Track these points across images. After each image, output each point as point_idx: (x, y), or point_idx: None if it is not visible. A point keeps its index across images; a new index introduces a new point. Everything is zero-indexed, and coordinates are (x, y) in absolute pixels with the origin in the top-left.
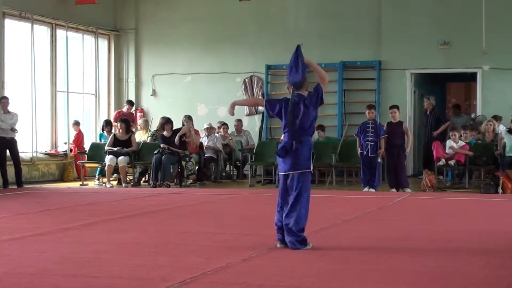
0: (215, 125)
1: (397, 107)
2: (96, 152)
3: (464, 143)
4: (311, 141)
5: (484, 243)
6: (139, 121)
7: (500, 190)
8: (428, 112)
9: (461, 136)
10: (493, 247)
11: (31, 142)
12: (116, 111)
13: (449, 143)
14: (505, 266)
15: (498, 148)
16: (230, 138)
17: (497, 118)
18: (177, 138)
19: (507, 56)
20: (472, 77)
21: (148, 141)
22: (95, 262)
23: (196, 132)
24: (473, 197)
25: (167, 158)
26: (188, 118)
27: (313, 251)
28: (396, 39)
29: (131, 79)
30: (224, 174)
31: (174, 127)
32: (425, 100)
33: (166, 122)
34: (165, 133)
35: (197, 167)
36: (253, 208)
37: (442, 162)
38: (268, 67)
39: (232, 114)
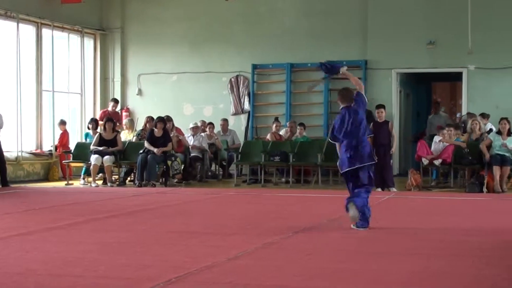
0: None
1: (383, 106)
2: (82, 152)
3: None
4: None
5: (469, 242)
6: (125, 121)
7: (485, 190)
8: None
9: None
10: (479, 246)
11: (16, 142)
12: (101, 111)
13: (436, 138)
14: (491, 265)
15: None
16: (216, 137)
17: (484, 115)
18: (160, 151)
19: (492, 55)
20: (458, 76)
21: (133, 140)
22: (81, 262)
23: (178, 130)
24: (458, 196)
25: (153, 157)
26: (167, 120)
27: (299, 251)
28: (382, 39)
29: (117, 79)
30: (209, 173)
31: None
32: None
33: (159, 120)
34: (155, 131)
35: (182, 167)
36: (239, 208)
37: (426, 161)
38: (254, 67)
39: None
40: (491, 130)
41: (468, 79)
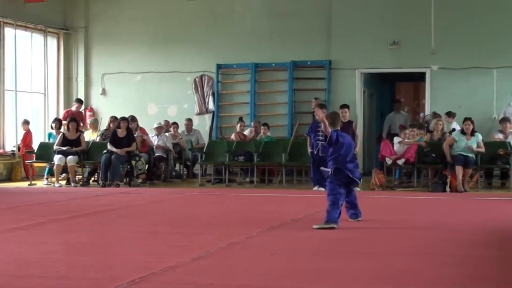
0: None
1: (347, 106)
2: (45, 152)
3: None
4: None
5: (432, 241)
6: (89, 120)
7: (447, 189)
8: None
9: (408, 135)
10: (441, 245)
11: None
12: (65, 110)
13: (397, 139)
14: (452, 264)
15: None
16: (180, 137)
17: (450, 114)
18: (123, 151)
19: (455, 56)
20: (421, 76)
21: (97, 140)
22: (43, 263)
23: (143, 130)
24: (421, 195)
25: (117, 157)
26: (131, 120)
27: (263, 250)
28: (346, 39)
29: (80, 78)
30: (174, 173)
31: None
32: (313, 101)
33: (122, 120)
34: (119, 131)
35: (147, 167)
36: (203, 208)
37: (389, 161)
38: (219, 67)
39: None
40: (453, 129)
41: (432, 79)
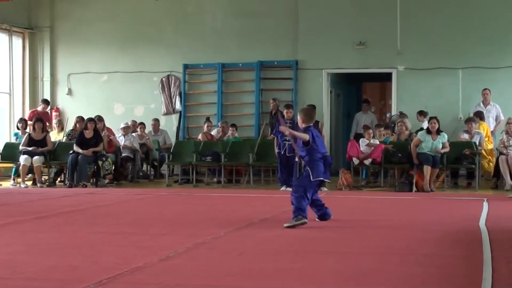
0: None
1: (313, 106)
2: (11, 152)
3: (378, 142)
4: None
5: (399, 241)
6: (54, 121)
7: (414, 188)
8: (273, 113)
9: (374, 135)
10: (408, 244)
11: None
12: (30, 110)
13: (362, 141)
14: (419, 263)
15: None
16: (147, 137)
17: (422, 113)
18: (89, 151)
19: (421, 56)
20: (387, 77)
21: (63, 140)
22: (9, 264)
23: (109, 130)
24: (388, 195)
25: (83, 158)
26: (98, 120)
27: (230, 250)
28: (313, 39)
29: (46, 78)
30: (141, 173)
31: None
32: (271, 101)
33: (90, 121)
34: (86, 132)
35: (113, 167)
36: (171, 208)
37: (356, 161)
38: (186, 67)
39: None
40: (421, 128)
41: (398, 80)
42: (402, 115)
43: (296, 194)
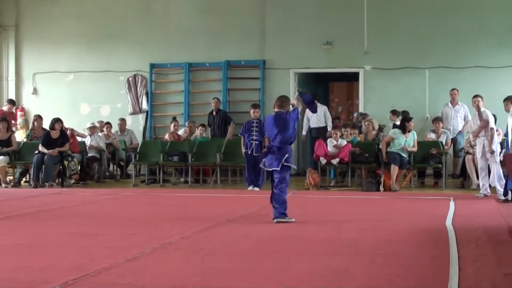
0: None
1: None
2: None
3: (346, 142)
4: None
5: (368, 241)
6: (19, 120)
7: (381, 188)
8: (214, 113)
9: (342, 135)
10: (376, 244)
11: None
12: None
13: (330, 142)
14: (388, 264)
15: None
16: (113, 137)
17: (395, 112)
18: (54, 152)
19: (388, 56)
20: (354, 76)
21: (25, 140)
22: None
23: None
24: (356, 195)
25: (49, 158)
26: (56, 121)
27: (197, 251)
28: (280, 39)
29: (11, 77)
30: (107, 173)
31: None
32: (212, 101)
33: (57, 121)
34: (53, 132)
35: (79, 167)
36: (137, 208)
37: (323, 161)
38: (152, 66)
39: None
40: (394, 124)
41: (365, 79)
42: (363, 115)
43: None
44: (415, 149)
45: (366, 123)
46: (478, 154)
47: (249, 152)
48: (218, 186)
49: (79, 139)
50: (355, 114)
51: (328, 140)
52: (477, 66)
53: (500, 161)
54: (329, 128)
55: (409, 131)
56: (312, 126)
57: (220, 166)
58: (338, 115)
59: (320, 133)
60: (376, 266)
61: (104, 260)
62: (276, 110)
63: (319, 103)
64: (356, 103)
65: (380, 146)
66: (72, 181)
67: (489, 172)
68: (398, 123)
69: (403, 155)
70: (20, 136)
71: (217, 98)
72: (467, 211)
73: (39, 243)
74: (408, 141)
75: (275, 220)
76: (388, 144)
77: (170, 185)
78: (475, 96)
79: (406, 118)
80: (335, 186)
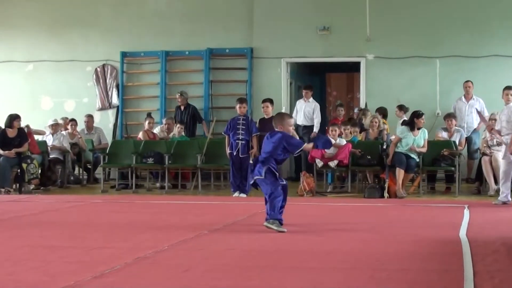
0: (61, 120)
1: (270, 100)
2: None
3: (346, 141)
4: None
5: (369, 254)
6: None
7: (386, 194)
8: (182, 108)
9: (341, 133)
10: (379, 258)
11: None
12: None
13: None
14: (392, 280)
15: (386, 148)
16: (79, 136)
17: (402, 108)
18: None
19: (393, 44)
20: (355, 67)
21: None
22: None
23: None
24: (356, 202)
25: (5, 160)
26: (14, 118)
27: (175, 267)
28: (270, 24)
29: None
30: (72, 178)
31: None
32: (178, 95)
33: (15, 118)
34: (9, 131)
35: (40, 170)
36: (106, 217)
37: (320, 163)
38: (124, 55)
39: None
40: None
41: (367, 70)
42: (363, 110)
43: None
44: (424, 149)
45: (370, 119)
46: (502, 155)
47: (235, 153)
48: (199, 192)
49: (38, 137)
50: (355, 110)
51: None
52: (494, 55)
53: None
54: (315, 129)
55: (418, 129)
56: (298, 122)
57: (201, 169)
58: (336, 110)
59: (306, 133)
60: (378, 283)
61: (67, 277)
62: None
63: (311, 99)
64: (357, 97)
65: (384, 146)
66: (32, 186)
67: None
68: (406, 119)
69: (412, 156)
70: None
71: (182, 93)
72: (484, 221)
73: None
74: (417, 140)
75: (264, 223)
76: (395, 146)
77: (144, 191)
78: (508, 87)
79: (416, 113)
80: (333, 192)
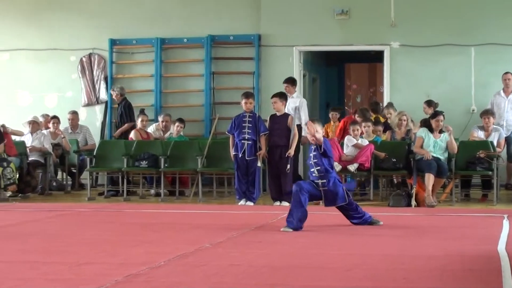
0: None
1: (281, 95)
2: None
3: (368, 142)
4: None
5: (394, 271)
6: None
7: (413, 202)
8: (118, 105)
9: (362, 133)
10: (406, 275)
11: None
12: None
13: (349, 140)
14: None
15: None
16: (62, 136)
17: (431, 103)
18: None
19: (422, 30)
20: (378, 56)
21: None
22: None
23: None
24: (379, 211)
25: None
26: None
27: (171, 285)
28: (281, 7)
29: None
30: (54, 183)
31: None
32: (112, 91)
33: None
34: None
35: (17, 175)
36: (94, 229)
37: (338, 167)
38: (113, 42)
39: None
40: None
41: (391, 60)
42: (387, 106)
43: None
44: (454, 150)
45: (398, 117)
46: None
47: (240, 156)
48: (200, 200)
49: (15, 138)
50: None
51: (347, 138)
52: None
53: None
54: (303, 132)
55: (439, 132)
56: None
57: (202, 174)
58: (355, 106)
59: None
60: None
61: None
62: None
63: (296, 93)
64: (381, 91)
65: (412, 148)
66: (8, 193)
67: None
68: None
69: (442, 157)
70: None
71: (114, 88)
72: None
73: None
74: (438, 144)
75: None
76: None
77: (136, 198)
78: None
79: (436, 112)
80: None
